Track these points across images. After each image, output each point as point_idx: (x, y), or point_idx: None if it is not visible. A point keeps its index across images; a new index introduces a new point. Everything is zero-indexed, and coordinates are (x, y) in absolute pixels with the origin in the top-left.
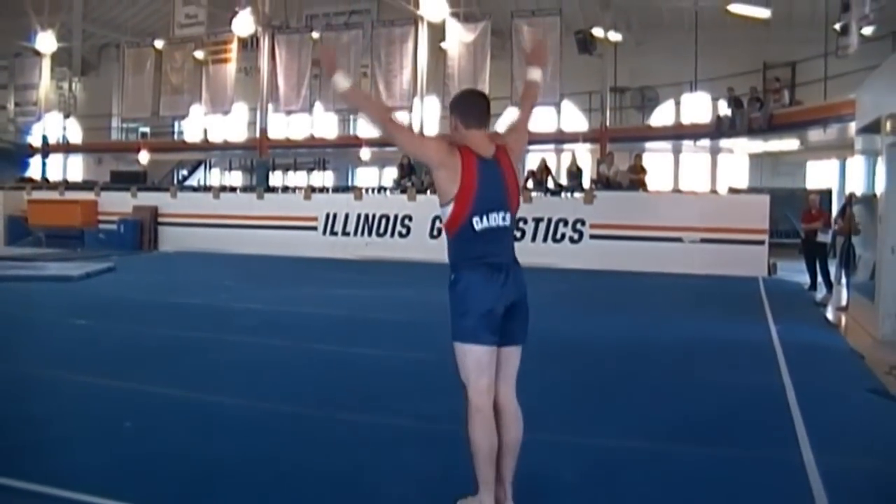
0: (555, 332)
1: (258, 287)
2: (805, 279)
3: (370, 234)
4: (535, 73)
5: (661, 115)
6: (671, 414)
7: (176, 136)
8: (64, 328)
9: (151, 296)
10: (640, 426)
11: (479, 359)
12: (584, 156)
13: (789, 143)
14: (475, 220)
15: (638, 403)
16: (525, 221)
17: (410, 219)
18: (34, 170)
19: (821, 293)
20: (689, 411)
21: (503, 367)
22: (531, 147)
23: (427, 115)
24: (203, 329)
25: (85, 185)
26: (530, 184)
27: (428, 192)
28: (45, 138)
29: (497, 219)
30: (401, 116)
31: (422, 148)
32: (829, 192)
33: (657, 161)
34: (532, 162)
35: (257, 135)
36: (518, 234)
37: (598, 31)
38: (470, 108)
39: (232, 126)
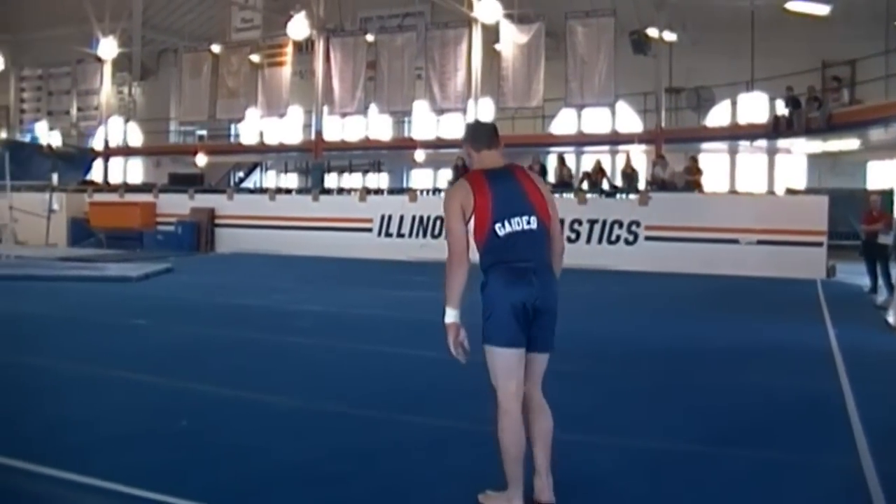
0: (609, 334)
1: (314, 288)
2: (865, 282)
3: (425, 235)
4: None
5: (717, 116)
6: (725, 417)
7: (232, 139)
8: (123, 328)
9: (208, 297)
10: (693, 428)
11: (507, 361)
12: (639, 157)
13: (849, 143)
14: (497, 226)
15: (691, 406)
16: (580, 223)
17: None
18: (96, 173)
19: (882, 296)
20: (743, 415)
21: (530, 371)
22: (586, 149)
23: (481, 117)
24: (259, 330)
25: (144, 188)
26: (585, 185)
27: None
28: (106, 142)
29: (521, 223)
30: (454, 118)
31: (458, 221)
32: (890, 193)
33: (713, 162)
34: (586, 163)
35: (312, 137)
36: (572, 236)
37: (652, 32)
38: (477, 133)
39: (287, 128)
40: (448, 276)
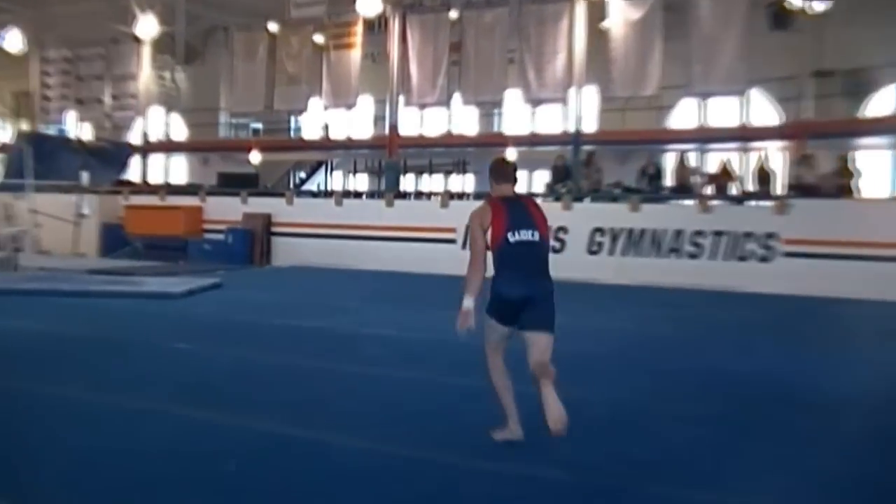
0: (741, 372)
1: (386, 309)
2: None
3: None
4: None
5: (879, 105)
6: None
7: (292, 134)
8: (163, 353)
9: (263, 317)
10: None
11: (494, 329)
12: (777, 156)
13: None
14: (509, 234)
15: (840, 468)
16: (702, 235)
17: (565, 231)
18: (133, 171)
19: None
20: None
21: (534, 346)
22: (711, 146)
23: (585, 109)
24: (322, 357)
25: (189, 189)
26: (709, 190)
27: (586, 199)
28: (145, 136)
29: (527, 234)
30: (552, 110)
31: (480, 234)
32: None
33: (872, 162)
34: (711, 164)
35: (386, 132)
36: (692, 250)
37: (795, 1)
38: (499, 172)
39: (357, 122)
40: (469, 274)
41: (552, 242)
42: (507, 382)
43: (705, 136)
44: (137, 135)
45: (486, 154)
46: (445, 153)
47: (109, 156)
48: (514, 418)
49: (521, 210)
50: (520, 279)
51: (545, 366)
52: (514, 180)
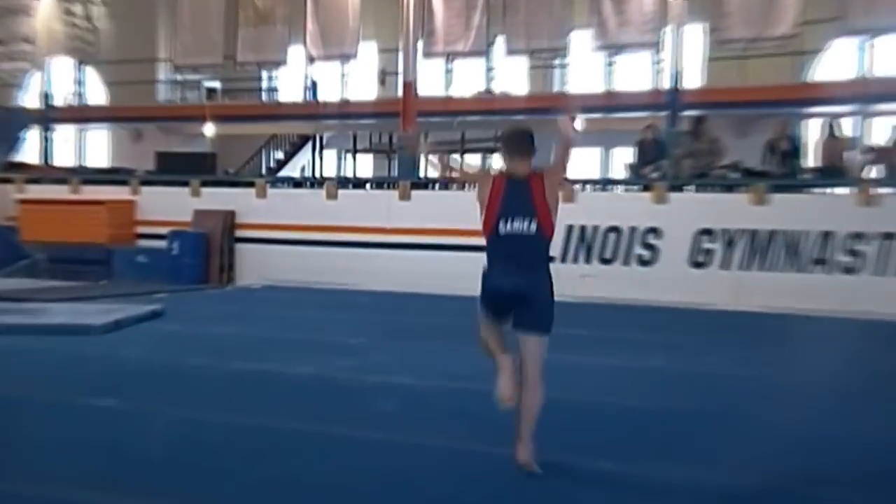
0: None
1: (401, 347)
2: None
3: (588, 258)
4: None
5: None
6: None
7: (264, 97)
8: (77, 414)
9: (224, 360)
10: None
11: (485, 323)
12: None
13: None
14: (501, 224)
15: None
16: (862, 239)
17: (657, 233)
18: (29, 150)
19: None
20: None
21: (522, 350)
22: (877, 107)
23: (686, 57)
24: (309, 417)
25: (114, 177)
26: (873, 173)
27: (688, 188)
28: (47, 98)
29: (521, 226)
30: (637, 60)
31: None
32: None
33: None
34: (876, 134)
35: (399, 93)
36: (848, 260)
37: None
38: (510, 145)
39: (357, 80)
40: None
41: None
42: (491, 336)
43: (868, 94)
44: (34, 96)
45: (542, 125)
46: (484, 123)
47: None
48: (502, 357)
49: (522, 193)
50: (508, 273)
51: (532, 386)
52: (530, 154)
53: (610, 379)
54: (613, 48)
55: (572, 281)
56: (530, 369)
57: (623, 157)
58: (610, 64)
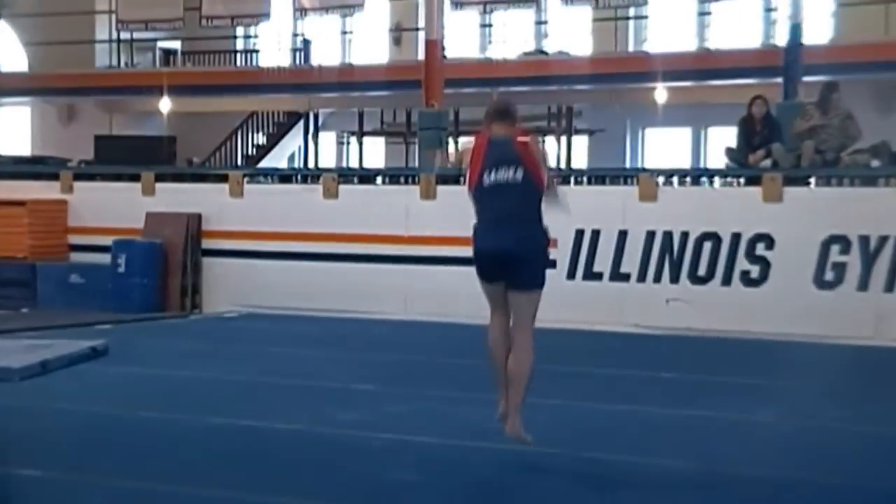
0: None
1: (421, 395)
2: None
3: (675, 277)
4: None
5: None
6: None
7: (240, 61)
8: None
9: (185, 413)
10: None
11: (483, 289)
12: None
13: None
14: (485, 175)
15: None
16: None
17: (770, 242)
18: None
19: None
20: None
21: (512, 309)
22: None
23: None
24: (301, 490)
25: (37, 168)
26: None
27: (810, 180)
28: None
29: (506, 174)
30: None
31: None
32: None
33: None
34: None
35: (419, 55)
36: None
37: None
38: (493, 113)
39: (363, 38)
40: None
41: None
42: (495, 352)
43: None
44: None
45: (614, 96)
46: (533, 94)
47: None
48: (502, 393)
49: (506, 146)
50: (495, 230)
51: (521, 349)
52: (513, 120)
53: (734, 440)
54: None
55: (654, 307)
56: (518, 331)
57: (721, 140)
58: (704, 14)
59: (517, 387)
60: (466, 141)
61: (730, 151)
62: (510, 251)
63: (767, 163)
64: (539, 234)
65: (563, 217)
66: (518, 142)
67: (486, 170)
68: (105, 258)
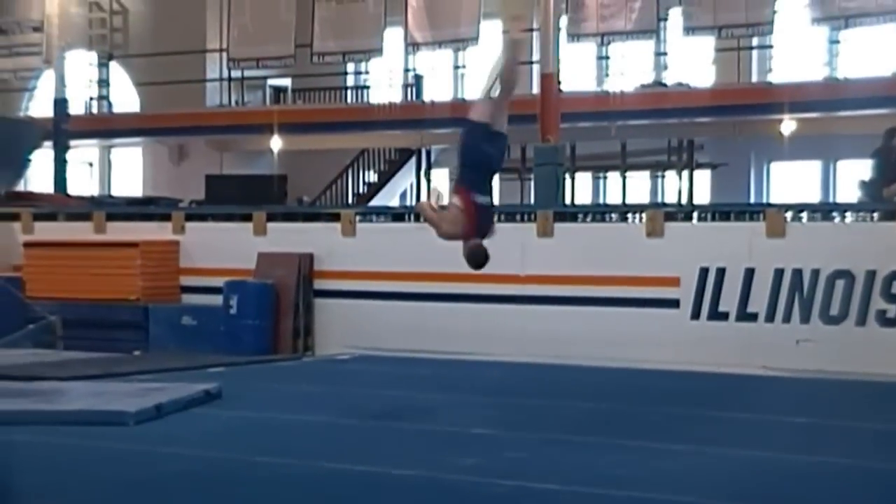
0: None
1: (542, 440)
2: None
3: (805, 317)
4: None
5: None
6: None
7: (350, 98)
8: None
9: (301, 458)
10: None
11: None
12: None
13: None
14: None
15: None
16: None
17: None
18: (38, 175)
19: None
20: None
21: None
22: None
23: None
24: None
25: (149, 209)
26: None
27: None
28: (61, 105)
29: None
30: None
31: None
32: None
33: None
34: None
35: (534, 89)
36: None
37: None
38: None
39: (477, 73)
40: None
41: None
42: None
43: None
44: (45, 103)
45: (733, 126)
46: (652, 127)
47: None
48: None
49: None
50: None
51: None
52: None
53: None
54: (839, 19)
55: (784, 348)
56: None
57: (852, 173)
58: (834, 42)
59: None
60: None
61: (864, 185)
62: None
63: None
64: None
65: (683, 254)
66: None
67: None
68: (216, 300)
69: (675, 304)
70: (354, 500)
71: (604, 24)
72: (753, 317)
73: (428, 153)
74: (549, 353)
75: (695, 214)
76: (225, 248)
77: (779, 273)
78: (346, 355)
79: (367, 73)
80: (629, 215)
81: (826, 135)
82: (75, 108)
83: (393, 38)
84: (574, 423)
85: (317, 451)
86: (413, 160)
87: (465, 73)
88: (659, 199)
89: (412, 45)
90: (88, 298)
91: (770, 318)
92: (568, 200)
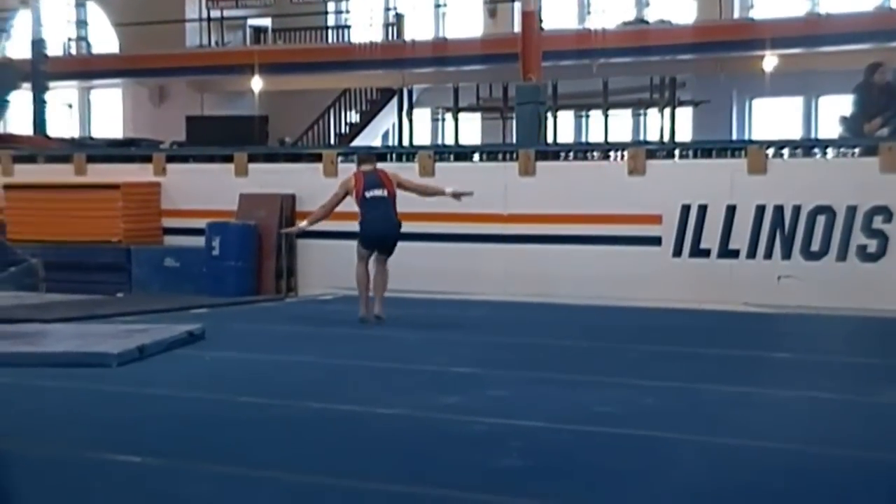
0: None
1: (524, 378)
2: None
3: (787, 252)
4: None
5: None
6: None
7: (331, 37)
8: (88, 474)
9: (284, 398)
10: None
11: (363, 253)
12: None
13: None
14: (366, 193)
15: None
16: None
17: (888, 215)
18: (17, 114)
19: None
20: None
21: (378, 260)
22: None
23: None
24: (402, 475)
25: (130, 150)
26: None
27: None
28: (38, 46)
29: (377, 193)
30: None
31: (339, 197)
32: None
33: None
34: None
35: (515, 27)
36: None
37: None
38: (361, 160)
39: (458, 10)
40: (314, 215)
41: None
42: (366, 281)
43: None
44: (23, 44)
45: (714, 63)
46: (634, 65)
47: None
48: (364, 306)
49: (375, 178)
50: (374, 224)
51: (385, 274)
52: (372, 162)
53: (855, 421)
54: None
55: (766, 284)
56: (384, 266)
57: (835, 109)
58: None
59: (383, 292)
60: (345, 179)
61: (845, 120)
62: (387, 234)
63: (885, 132)
64: (399, 224)
65: (665, 191)
66: (381, 176)
67: (365, 191)
68: (199, 241)
69: (657, 241)
70: (339, 438)
71: None
72: (735, 253)
73: (409, 93)
74: (532, 291)
75: (676, 152)
76: (207, 190)
77: (760, 209)
78: (328, 296)
79: (347, 12)
80: (611, 153)
81: (808, 71)
82: (53, 49)
83: None
84: (557, 361)
85: (300, 391)
86: (394, 100)
87: (445, 12)
88: (641, 137)
89: None
90: (70, 241)
91: (752, 254)
92: (550, 139)
